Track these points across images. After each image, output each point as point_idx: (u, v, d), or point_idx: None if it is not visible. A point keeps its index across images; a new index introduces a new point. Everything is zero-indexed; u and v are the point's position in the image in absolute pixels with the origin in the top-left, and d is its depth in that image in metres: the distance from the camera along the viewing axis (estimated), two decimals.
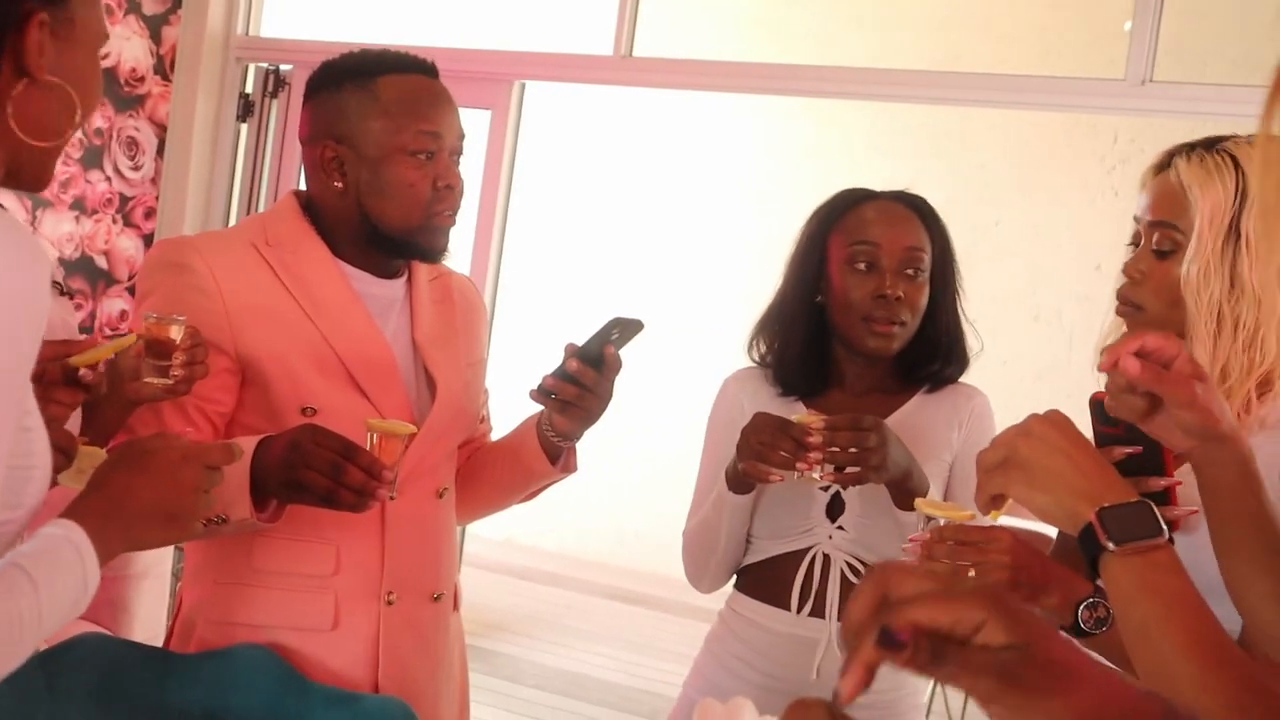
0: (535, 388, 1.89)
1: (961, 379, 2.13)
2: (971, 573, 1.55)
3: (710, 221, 7.84)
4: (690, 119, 7.83)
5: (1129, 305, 1.70)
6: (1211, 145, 1.67)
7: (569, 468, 2.06)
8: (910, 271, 2.02)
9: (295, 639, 1.84)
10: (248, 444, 1.69)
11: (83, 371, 1.56)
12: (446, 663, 2.01)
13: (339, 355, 1.86)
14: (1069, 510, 1.19)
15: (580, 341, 1.90)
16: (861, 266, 2.02)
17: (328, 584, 1.86)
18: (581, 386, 1.87)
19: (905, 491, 1.93)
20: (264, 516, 1.71)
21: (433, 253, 1.94)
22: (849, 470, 1.86)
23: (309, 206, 1.95)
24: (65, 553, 1.24)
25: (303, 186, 2.01)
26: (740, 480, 1.99)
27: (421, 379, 1.97)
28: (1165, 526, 1.13)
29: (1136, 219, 1.72)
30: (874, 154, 7.22)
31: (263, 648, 1.79)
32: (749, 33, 7.22)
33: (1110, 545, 1.14)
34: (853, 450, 1.85)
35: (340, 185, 1.89)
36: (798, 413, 2.05)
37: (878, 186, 2.13)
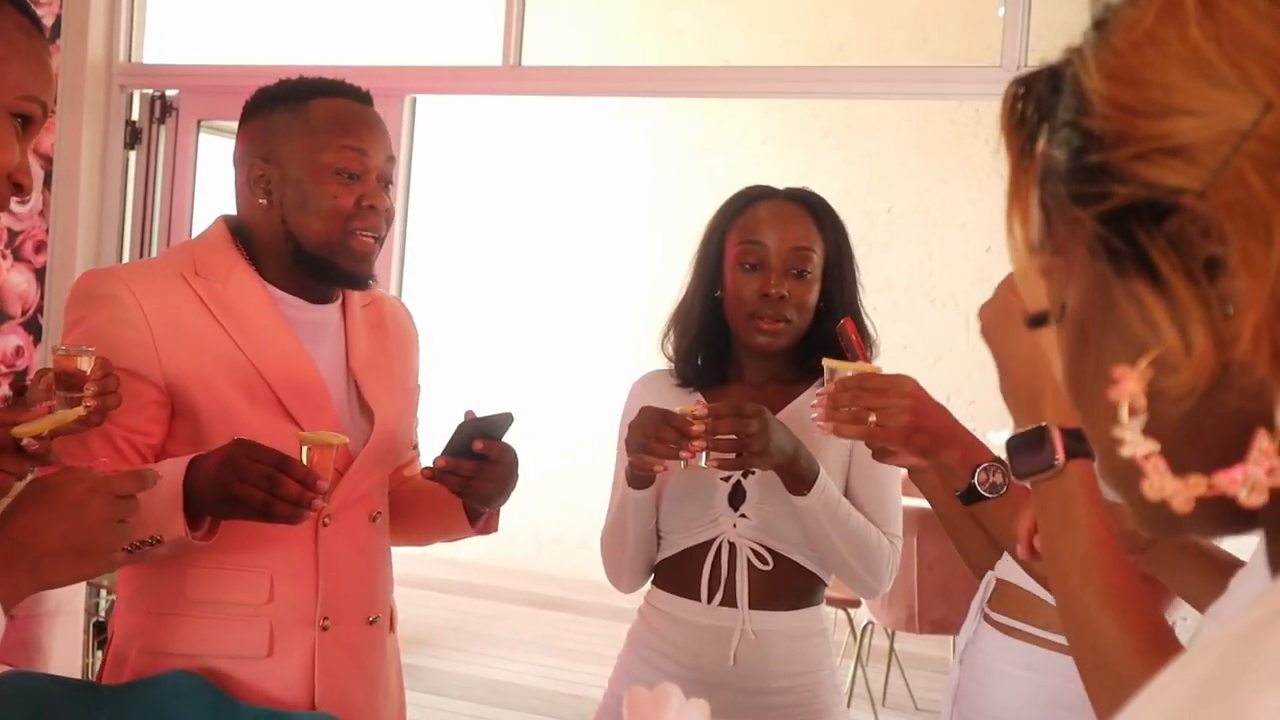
0: (429, 468, 1.89)
1: None
2: (873, 417, 1.59)
3: (610, 225, 7.88)
4: (583, 124, 7.87)
5: None
6: None
7: (489, 529, 2.08)
8: (797, 271, 2.07)
9: (230, 666, 1.83)
10: (178, 464, 1.69)
11: (26, 441, 1.55)
12: (384, 685, 2.01)
13: (268, 382, 1.85)
14: (1006, 408, 1.20)
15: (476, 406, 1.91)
16: (750, 265, 2.07)
17: (261, 612, 1.85)
18: (463, 475, 1.87)
19: (794, 476, 1.98)
20: (199, 535, 1.70)
21: (354, 277, 1.92)
22: (733, 456, 1.91)
23: (239, 231, 1.95)
24: None
25: (222, 211, 2.01)
26: (637, 475, 2.04)
27: (355, 405, 1.96)
28: (1063, 453, 1.13)
29: None
30: (766, 149, 7.31)
31: (192, 673, 1.78)
32: (634, 37, 7.28)
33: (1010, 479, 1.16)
34: (735, 437, 1.90)
35: (265, 202, 1.90)
36: (698, 408, 2.11)
37: (772, 181, 2.19)
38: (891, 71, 4.33)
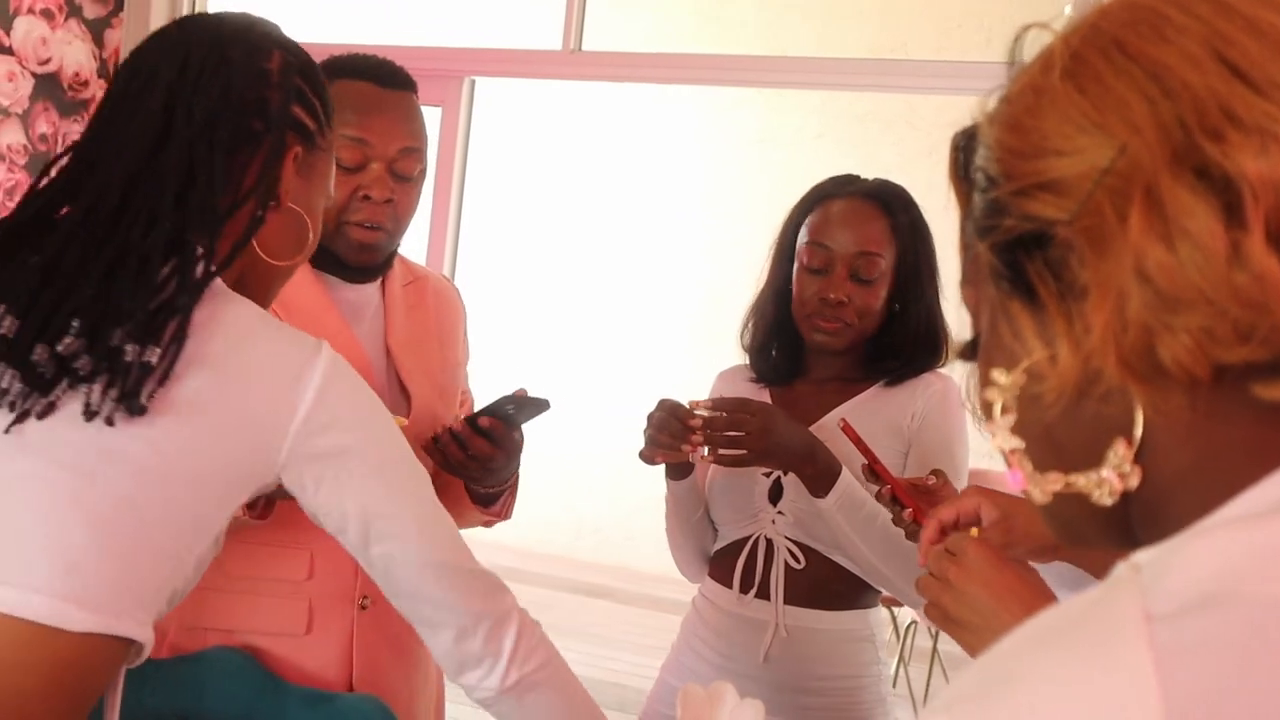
0: (431, 439, 1.86)
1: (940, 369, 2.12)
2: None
3: (663, 213, 7.86)
4: (641, 112, 7.85)
5: None
6: None
7: (504, 515, 2.05)
8: (862, 275, 2.01)
9: (268, 643, 1.83)
10: None
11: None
12: (422, 665, 2.00)
13: None
14: None
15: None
16: (814, 266, 2.03)
17: (301, 589, 1.85)
18: (469, 453, 1.83)
19: (809, 478, 1.94)
20: (255, 514, 1.71)
21: (355, 267, 1.90)
22: (728, 452, 1.89)
23: None
24: None
25: None
26: (674, 467, 2.03)
27: (395, 385, 1.95)
28: None
29: None
30: (822, 142, 7.26)
31: (237, 650, 1.78)
32: (694, 25, 7.25)
33: None
34: (733, 434, 1.88)
35: None
36: (763, 400, 2.08)
37: (831, 173, 2.14)
38: (954, 66, 4.27)
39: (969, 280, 0.72)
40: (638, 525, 7.24)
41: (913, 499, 1.72)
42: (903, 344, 2.07)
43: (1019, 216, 0.64)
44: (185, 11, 4.65)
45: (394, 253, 1.97)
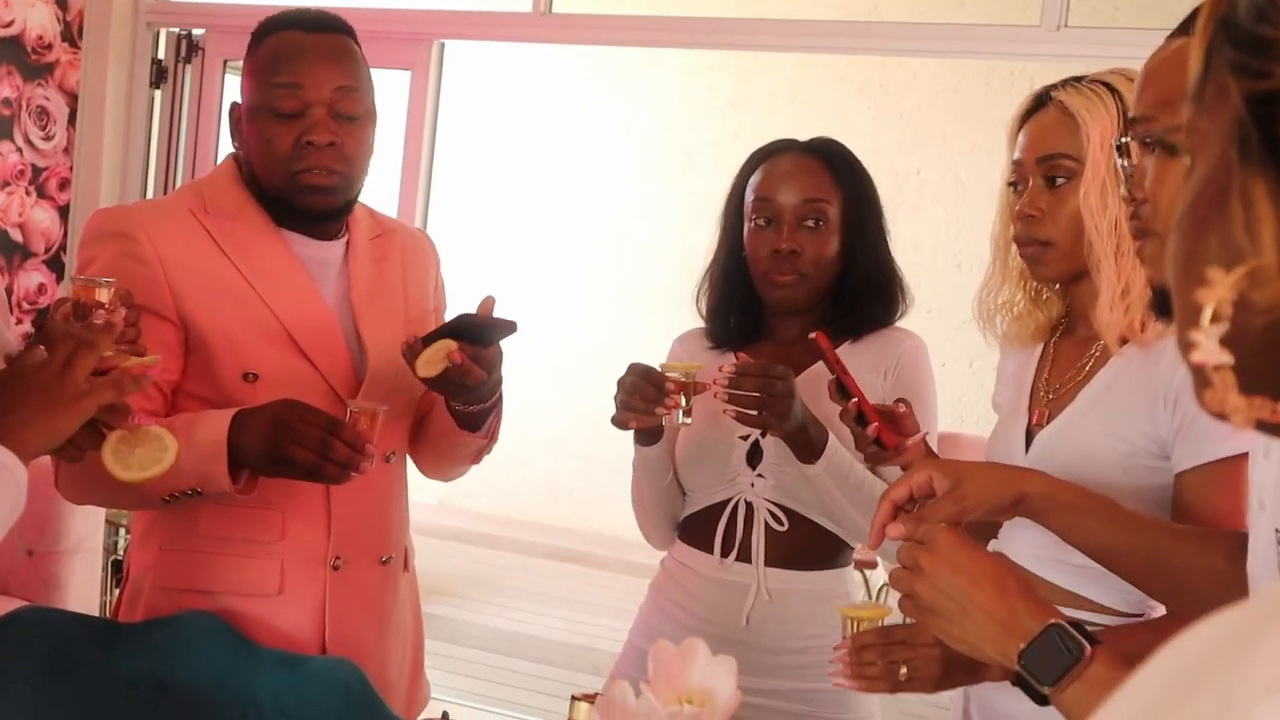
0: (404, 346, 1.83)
1: (898, 324, 2.13)
2: (904, 670, 1.46)
3: (637, 178, 7.83)
4: (612, 74, 7.81)
5: (1036, 244, 1.70)
6: (1080, 79, 1.72)
7: (491, 437, 2.03)
8: (811, 223, 2.04)
9: (242, 603, 1.84)
10: (222, 418, 1.70)
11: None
12: (396, 624, 2.01)
13: (281, 321, 1.85)
14: (995, 650, 1.17)
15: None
16: (762, 222, 2.06)
17: (273, 550, 1.86)
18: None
19: (803, 444, 1.94)
20: (239, 488, 1.72)
21: (315, 213, 1.89)
22: (754, 414, 1.87)
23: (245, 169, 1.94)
24: None
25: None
26: (644, 432, 2.03)
27: (356, 341, 1.94)
28: (1085, 641, 1.12)
29: (1018, 161, 1.73)
30: (796, 105, 7.24)
31: (210, 614, 1.79)
32: None
33: (1046, 689, 1.13)
34: (757, 395, 1.85)
35: (237, 144, 1.91)
36: (727, 363, 2.08)
37: (801, 137, 2.15)
38: (928, 29, 4.26)
39: (1205, 109, 0.57)
40: (613, 490, 7.25)
41: (878, 416, 1.76)
42: (858, 292, 2.08)
43: None
44: None
45: (353, 199, 1.95)
